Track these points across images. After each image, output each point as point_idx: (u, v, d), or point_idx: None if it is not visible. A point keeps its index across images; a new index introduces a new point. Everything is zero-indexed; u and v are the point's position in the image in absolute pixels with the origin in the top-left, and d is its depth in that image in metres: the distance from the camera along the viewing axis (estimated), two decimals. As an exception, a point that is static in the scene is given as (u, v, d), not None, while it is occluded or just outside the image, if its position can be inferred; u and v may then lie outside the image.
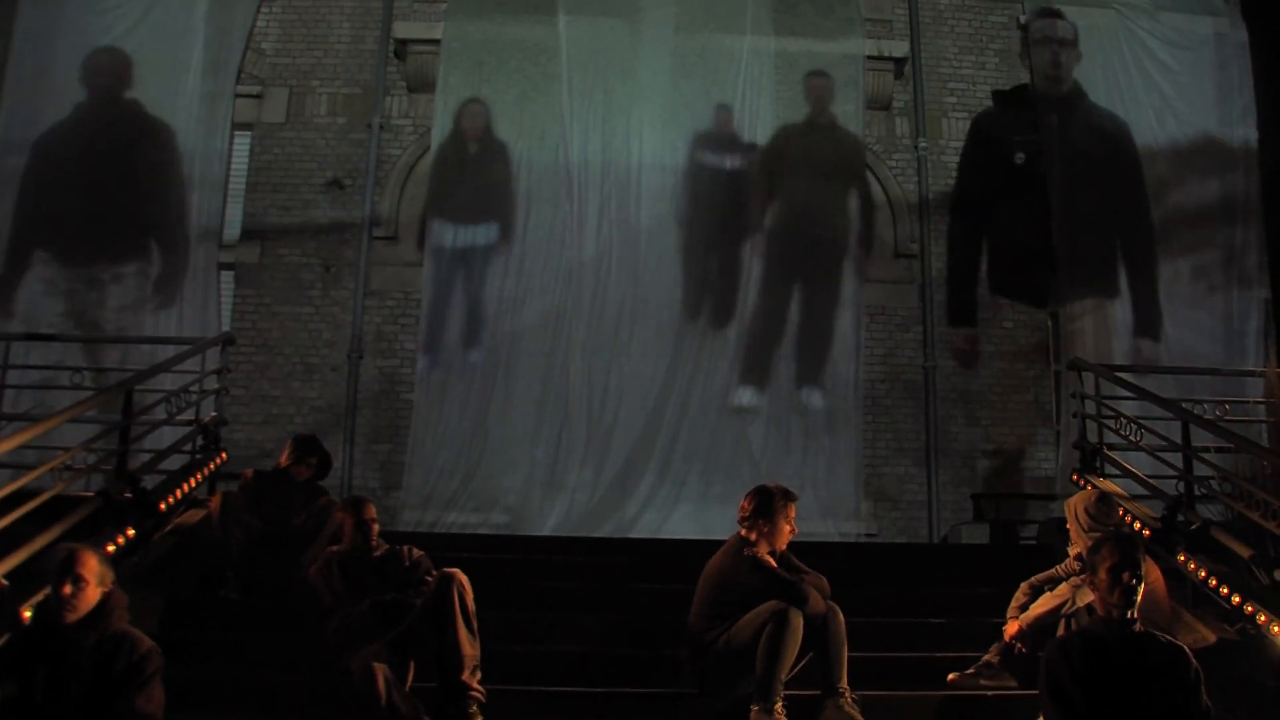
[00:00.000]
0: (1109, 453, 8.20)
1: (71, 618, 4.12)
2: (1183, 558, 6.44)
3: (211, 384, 8.34)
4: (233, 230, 11.07)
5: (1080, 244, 10.83)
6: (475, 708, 4.95)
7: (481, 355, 10.27)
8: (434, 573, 5.42)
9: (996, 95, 11.70)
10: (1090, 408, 8.48)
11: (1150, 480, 7.58)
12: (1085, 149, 11.04)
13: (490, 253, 10.51)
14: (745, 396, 10.26)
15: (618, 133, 10.69)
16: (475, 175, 10.70)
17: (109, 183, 10.30)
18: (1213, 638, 5.93)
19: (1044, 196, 11.04)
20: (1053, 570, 6.04)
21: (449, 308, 10.41)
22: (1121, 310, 10.78)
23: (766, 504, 5.57)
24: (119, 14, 10.66)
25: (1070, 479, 8.39)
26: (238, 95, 10.97)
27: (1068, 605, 5.65)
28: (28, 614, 4.70)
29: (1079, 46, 11.33)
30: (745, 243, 10.63)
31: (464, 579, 5.17)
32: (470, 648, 5.04)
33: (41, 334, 9.04)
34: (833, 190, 10.83)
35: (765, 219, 10.71)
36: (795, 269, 10.63)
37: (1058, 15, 11.51)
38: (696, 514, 9.50)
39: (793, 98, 11.02)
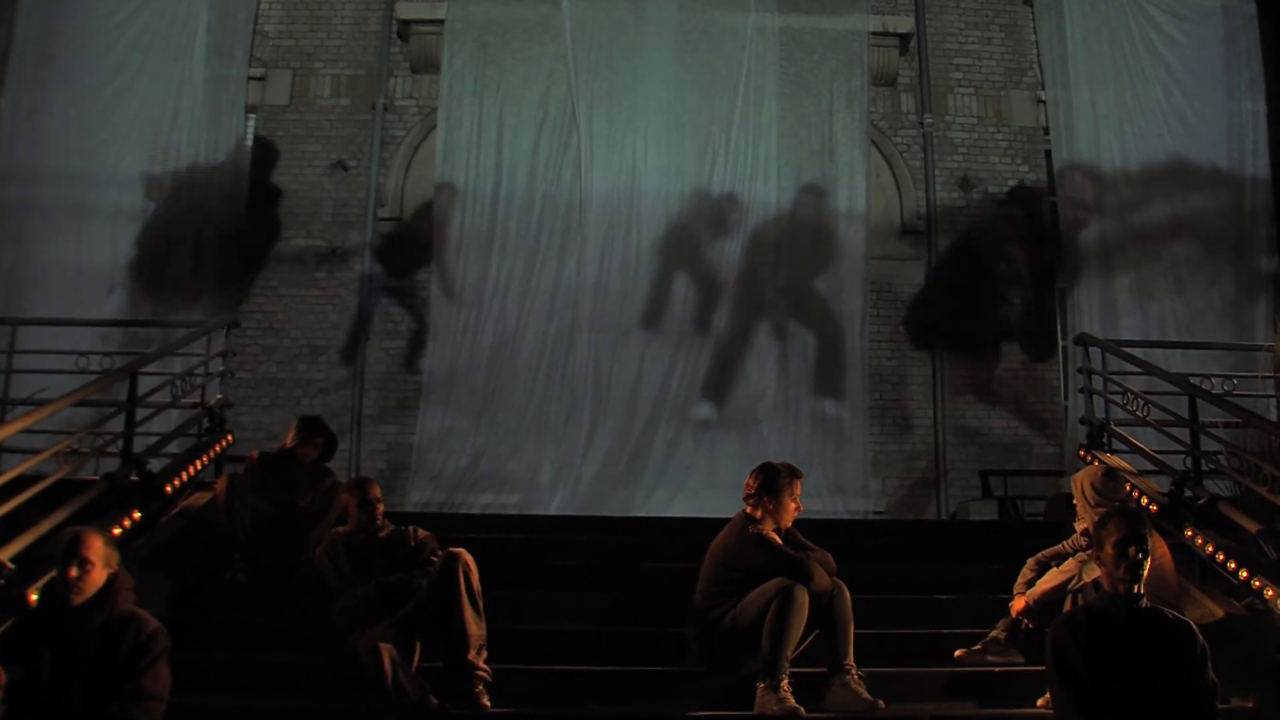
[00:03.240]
0: (1116, 428, 8.15)
1: (78, 600, 4.12)
2: (1190, 533, 6.42)
3: (217, 366, 8.34)
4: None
5: None
6: (481, 687, 4.97)
7: (490, 335, 10.27)
8: (439, 553, 5.43)
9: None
10: (1097, 383, 8.45)
11: (1158, 455, 7.54)
12: None
13: (496, 235, 10.49)
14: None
15: (623, 111, 10.66)
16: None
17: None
18: (1220, 613, 5.92)
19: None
20: (1059, 546, 6.03)
21: (458, 289, 10.40)
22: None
23: (772, 481, 5.56)
24: (120, -1, 10.67)
25: (1077, 455, 8.35)
26: (238, 78, 10.99)
27: (1074, 581, 5.66)
28: (34, 597, 4.72)
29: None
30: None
31: (469, 559, 5.18)
32: (476, 627, 5.05)
33: (46, 318, 9.01)
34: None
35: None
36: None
37: None
38: (703, 492, 9.49)
39: (798, 74, 10.96)
